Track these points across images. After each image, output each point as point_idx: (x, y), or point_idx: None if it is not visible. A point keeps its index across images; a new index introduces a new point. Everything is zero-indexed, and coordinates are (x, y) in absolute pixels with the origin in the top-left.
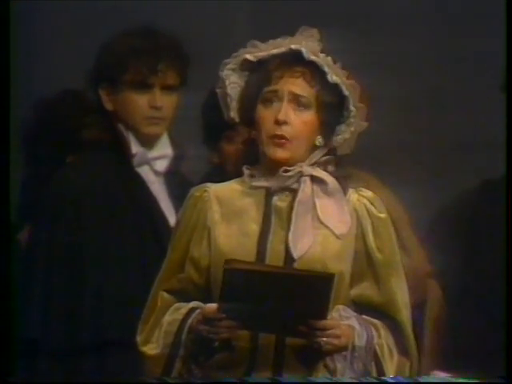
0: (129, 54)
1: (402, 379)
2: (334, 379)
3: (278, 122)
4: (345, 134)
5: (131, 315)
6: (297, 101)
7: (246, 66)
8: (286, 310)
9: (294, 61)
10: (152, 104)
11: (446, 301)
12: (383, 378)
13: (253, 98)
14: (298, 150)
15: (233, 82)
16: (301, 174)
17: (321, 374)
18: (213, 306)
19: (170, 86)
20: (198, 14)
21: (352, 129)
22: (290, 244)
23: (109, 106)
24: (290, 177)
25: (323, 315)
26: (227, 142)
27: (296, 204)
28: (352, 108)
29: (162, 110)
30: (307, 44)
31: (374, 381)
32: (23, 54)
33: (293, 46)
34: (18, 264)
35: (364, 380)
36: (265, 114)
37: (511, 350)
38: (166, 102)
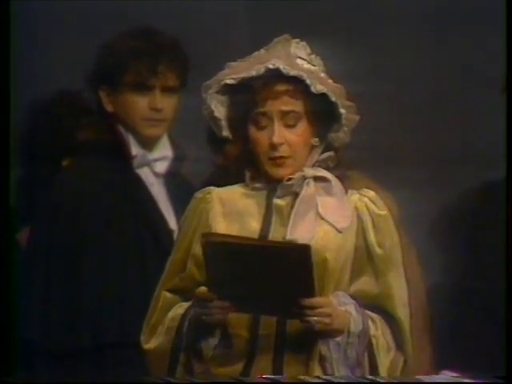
0: (129, 55)
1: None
2: (330, 378)
3: (274, 146)
4: (338, 133)
5: (131, 316)
6: (287, 118)
7: (228, 88)
8: (272, 287)
9: (275, 78)
10: (152, 106)
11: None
12: (382, 378)
13: (241, 118)
14: (299, 162)
15: (218, 104)
16: (304, 178)
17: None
18: (204, 288)
19: (170, 88)
20: (198, 14)
21: (345, 128)
22: (288, 238)
23: (109, 108)
24: (293, 183)
25: (311, 293)
26: (232, 144)
27: (297, 202)
28: (342, 111)
29: (162, 112)
30: (285, 56)
31: (367, 381)
32: (23, 54)
33: (270, 66)
34: (18, 264)
35: (361, 380)
36: (258, 136)
37: (511, 350)
38: (167, 103)
